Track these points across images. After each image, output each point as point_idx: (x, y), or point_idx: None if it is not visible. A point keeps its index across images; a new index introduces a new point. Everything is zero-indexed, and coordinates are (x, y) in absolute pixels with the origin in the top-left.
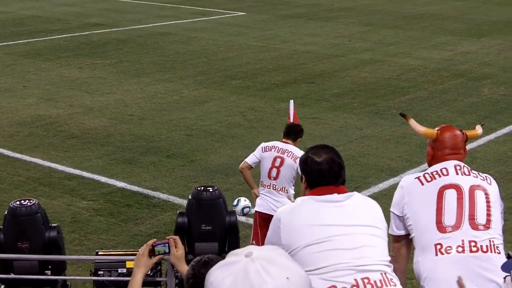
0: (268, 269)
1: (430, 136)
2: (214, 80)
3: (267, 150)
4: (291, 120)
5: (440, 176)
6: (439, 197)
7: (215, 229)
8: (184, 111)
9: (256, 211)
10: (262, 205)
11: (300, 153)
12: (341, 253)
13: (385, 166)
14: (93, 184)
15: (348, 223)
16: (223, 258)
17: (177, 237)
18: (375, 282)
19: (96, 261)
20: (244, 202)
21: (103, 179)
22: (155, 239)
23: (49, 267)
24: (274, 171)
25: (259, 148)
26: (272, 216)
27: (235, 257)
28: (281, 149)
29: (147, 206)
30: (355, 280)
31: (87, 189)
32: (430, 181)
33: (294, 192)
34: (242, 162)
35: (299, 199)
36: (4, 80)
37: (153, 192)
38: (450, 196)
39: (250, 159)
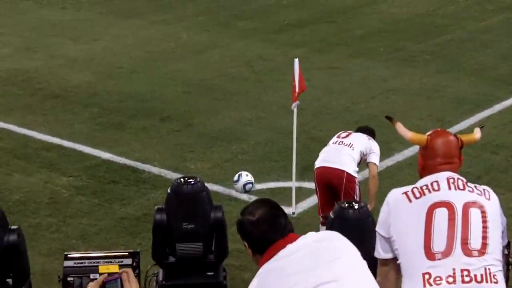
0: None
1: (418, 142)
2: (218, 21)
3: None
4: (296, 83)
5: (430, 192)
6: (428, 217)
7: (198, 227)
8: (182, 61)
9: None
10: (320, 161)
11: (372, 147)
12: None
13: (412, 127)
14: (74, 155)
15: (327, 259)
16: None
17: (129, 270)
18: None
19: (65, 266)
20: (246, 177)
21: (86, 149)
22: (106, 274)
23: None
24: (344, 133)
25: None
26: (330, 168)
27: None
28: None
29: (136, 183)
30: None
31: (68, 162)
32: (419, 197)
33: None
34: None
35: (256, 277)
36: None
37: (143, 164)
38: (441, 216)
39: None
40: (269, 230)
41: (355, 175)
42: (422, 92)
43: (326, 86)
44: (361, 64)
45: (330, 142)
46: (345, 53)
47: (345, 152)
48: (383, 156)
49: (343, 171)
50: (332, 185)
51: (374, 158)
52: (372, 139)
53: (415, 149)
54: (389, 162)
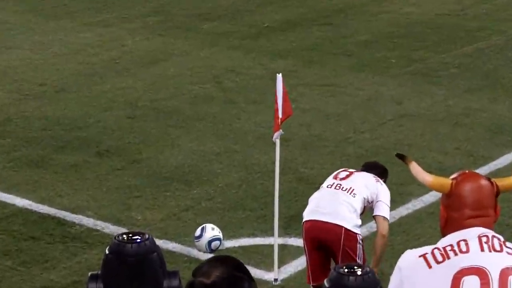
0: None
1: (440, 188)
2: (175, 22)
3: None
4: (279, 106)
5: (456, 254)
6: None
7: None
8: (126, 76)
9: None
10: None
11: (379, 192)
12: None
13: (434, 165)
14: None
15: None
16: None
17: None
18: None
19: None
20: (211, 232)
21: None
22: None
23: None
24: (344, 173)
25: None
26: (322, 223)
27: None
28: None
29: (62, 239)
30: None
31: None
32: (442, 261)
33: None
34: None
35: None
36: None
37: (72, 215)
38: (471, 286)
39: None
40: None
41: (357, 230)
42: (447, 118)
43: (319, 109)
44: (365, 80)
45: (324, 185)
46: (344, 65)
47: (343, 200)
48: (395, 203)
49: (341, 226)
50: (326, 245)
51: (383, 210)
52: (381, 181)
53: (439, 194)
54: (404, 210)
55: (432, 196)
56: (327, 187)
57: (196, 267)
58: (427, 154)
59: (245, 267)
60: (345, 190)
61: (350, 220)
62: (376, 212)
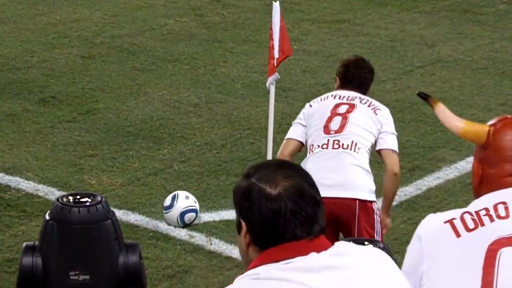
0: None
1: (474, 137)
2: None
3: (321, 100)
4: (275, 44)
5: (492, 220)
6: (488, 262)
7: (96, 280)
8: (80, 5)
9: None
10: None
11: (383, 106)
12: None
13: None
14: None
15: None
16: None
17: None
18: None
19: None
20: (185, 201)
21: None
22: None
23: None
24: (337, 120)
25: (304, 108)
26: (332, 200)
27: None
28: (349, 97)
29: None
30: None
31: None
32: (474, 229)
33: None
34: (282, 145)
35: (238, 279)
36: None
37: (7, 177)
38: (511, 260)
39: (294, 132)
40: (293, 218)
41: (372, 197)
42: (492, 66)
43: (328, 52)
44: (388, 16)
45: (315, 144)
46: None
47: (349, 164)
48: (422, 171)
49: (354, 199)
50: (337, 222)
51: (390, 141)
52: (380, 107)
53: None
54: (433, 180)
55: (469, 163)
56: (323, 148)
57: (251, 166)
58: (465, 111)
59: (316, 185)
60: (347, 147)
61: (363, 188)
62: (380, 146)
